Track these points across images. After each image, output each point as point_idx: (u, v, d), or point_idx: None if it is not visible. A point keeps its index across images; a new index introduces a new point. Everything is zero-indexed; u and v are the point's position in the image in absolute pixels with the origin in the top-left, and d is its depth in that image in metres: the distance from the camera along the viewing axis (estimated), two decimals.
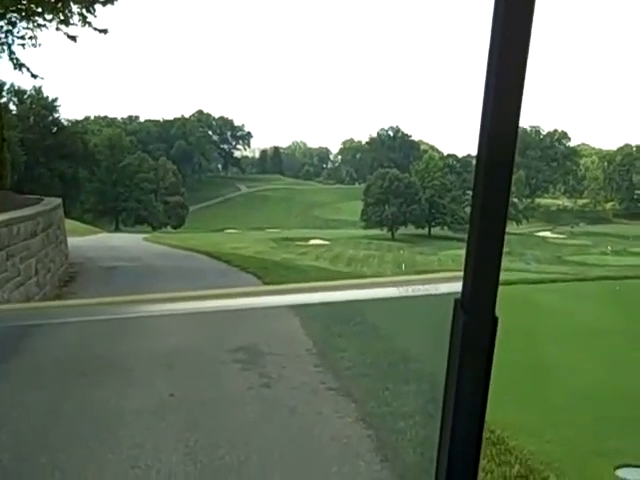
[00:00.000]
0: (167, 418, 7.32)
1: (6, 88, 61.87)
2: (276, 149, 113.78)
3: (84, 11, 18.70)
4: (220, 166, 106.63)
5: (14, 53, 20.69)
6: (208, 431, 7.00)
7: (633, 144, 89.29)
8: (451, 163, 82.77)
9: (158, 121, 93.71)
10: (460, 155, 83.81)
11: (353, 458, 6.34)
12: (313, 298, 1.53)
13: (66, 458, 6.32)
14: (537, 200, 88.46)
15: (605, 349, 10.96)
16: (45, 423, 7.01)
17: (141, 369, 9.03)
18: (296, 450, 6.63)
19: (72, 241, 21.56)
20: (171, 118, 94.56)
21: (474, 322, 1.30)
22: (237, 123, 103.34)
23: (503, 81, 1.18)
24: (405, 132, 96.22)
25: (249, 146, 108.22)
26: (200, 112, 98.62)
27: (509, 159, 1.22)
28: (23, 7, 19.03)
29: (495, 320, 1.30)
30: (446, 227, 75.78)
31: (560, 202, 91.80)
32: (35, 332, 8.31)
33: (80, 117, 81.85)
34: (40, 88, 65.43)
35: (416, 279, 1.49)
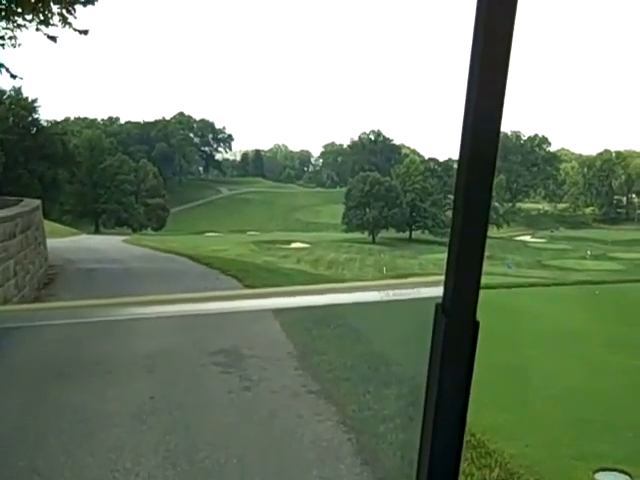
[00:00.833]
0: (147, 421, 7.28)
1: None
2: (257, 152, 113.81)
3: (64, 12, 18.55)
4: (201, 168, 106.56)
5: None
6: (188, 434, 6.97)
7: (612, 150, 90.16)
8: (432, 167, 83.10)
9: (139, 123, 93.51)
10: (441, 159, 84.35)
11: (333, 461, 6.34)
12: (294, 302, 1.53)
13: (44, 461, 6.27)
14: (518, 204, 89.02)
15: (583, 353, 11.04)
16: (23, 426, 6.95)
17: (121, 372, 8.98)
18: (276, 453, 6.62)
19: (51, 243, 21.41)
20: (152, 120, 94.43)
21: (455, 326, 1.30)
22: (218, 126, 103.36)
23: (485, 86, 1.18)
24: (386, 136, 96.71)
25: (230, 149, 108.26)
26: (181, 114, 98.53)
27: (491, 164, 1.22)
28: (3, 7, 18.87)
29: (476, 324, 1.31)
30: (427, 231, 76.03)
31: (540, 206, 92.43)
32: (14, 334, 8.25)
33: (60, 118, 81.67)
34: (20, 89, 65.08)
35: (398, 283, 1.49)
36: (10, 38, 19.77)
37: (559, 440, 7.15)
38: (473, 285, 1.28)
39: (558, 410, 8.22)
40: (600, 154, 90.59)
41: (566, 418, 7.89)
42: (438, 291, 1.32)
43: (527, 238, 79.43)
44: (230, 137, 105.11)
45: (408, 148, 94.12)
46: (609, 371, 10.03)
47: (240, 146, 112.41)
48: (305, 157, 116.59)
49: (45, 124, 70.13)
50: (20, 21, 19.20)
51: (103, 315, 1.47)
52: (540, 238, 79.84)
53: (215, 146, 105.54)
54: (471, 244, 1.26)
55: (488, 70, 1.17)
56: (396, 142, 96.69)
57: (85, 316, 1.49)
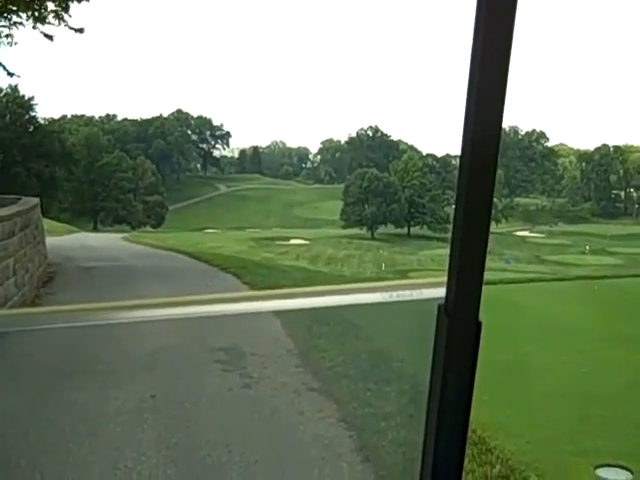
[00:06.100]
0: (148, 419, 7.28)
1: None
2: (255, 149, 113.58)
3: (59, 10, 18.47)
4: (199, 166, 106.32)
5: None
6: (189, 432, 6.97)
7: (611, 144, 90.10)
8: (430, 163, 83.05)
9: (136, 120, 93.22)
10: (439, 155, 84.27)
11: (335, 459, 6.34)
12: (295, 304, 1.53)
13: (46, 460, 6.27)
14: (516, 200, 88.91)
15: (583, 348, 11.02)
16: (25, 425, 6.95)
17: (122, 371, 8.98)
18: (277, 451, 6.62)
19: (50, 241, 21.39)
20: (149, 117, 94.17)
21: (457, 327, 1.30)
22: (216, 122, 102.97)
23: (486, 82, 1.17)
24: (384, 132, 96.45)
25: (228, 146, 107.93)
26: (179, 111, 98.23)
27: (492, 161, 1.21)
28: None
29: (479, 325, 1.31)
30: (425, 226, 75.95)
31: (539, 202, 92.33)
32: (15, 336, 8.25)
33: (57, 116, 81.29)
34: (16, 87, 64.87)
35: (400, 284, 1.49)
36: (7, 36, 19.75)
37: (560, 436, 7.14)
38: (475, 286, 1.28)
39: (558, 406, 8.21)
40: (598, 149, 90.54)
41: (566, 414, 7.89)
42: (441, 292, 1.32)
43: (526, 233, 79.43)
44: (228, 134, 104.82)
45: (406, 144, 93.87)
46: (609, 366, 10.02)
47: (238, 143, 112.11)
48: (303, 153, 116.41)
49: (42, 122, 70.02)
50: (16, 19, 19.17)
51: (104, 318, 1.46)
52: (539, 233, 79.88)
53: (213, 143, 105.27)
54: (473, 246, 1.25)
55: (489, 65, 1.17)
56: (394, 138, 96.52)
57: (86, 319, 1.49)
